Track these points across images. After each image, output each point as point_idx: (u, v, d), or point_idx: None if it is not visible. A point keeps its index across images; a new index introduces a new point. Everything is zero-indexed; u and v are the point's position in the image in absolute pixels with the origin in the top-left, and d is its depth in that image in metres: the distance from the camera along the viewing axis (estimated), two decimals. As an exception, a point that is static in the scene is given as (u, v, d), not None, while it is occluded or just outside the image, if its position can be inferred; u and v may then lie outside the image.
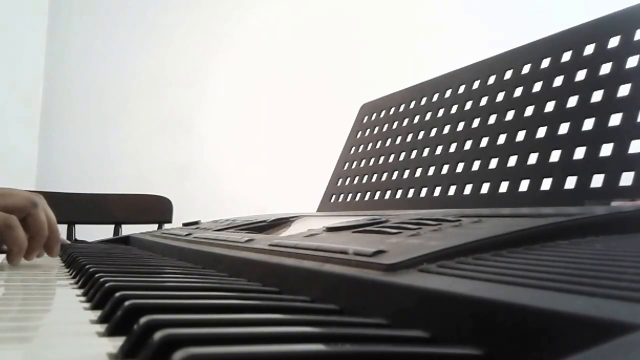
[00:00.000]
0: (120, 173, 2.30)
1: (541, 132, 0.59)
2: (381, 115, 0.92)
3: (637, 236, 0.32)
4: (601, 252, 0.28)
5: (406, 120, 0.84)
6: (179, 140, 2.41)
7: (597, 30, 0.58)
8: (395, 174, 0.81)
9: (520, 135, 0.61)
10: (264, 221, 0.71)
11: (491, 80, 0.70)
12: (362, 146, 0.94)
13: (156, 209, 1.51)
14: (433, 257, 0.29)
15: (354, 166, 0.94)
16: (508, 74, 0.67)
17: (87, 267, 0.47)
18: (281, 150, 2.44)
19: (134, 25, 2.39)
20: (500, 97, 0.67)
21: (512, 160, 0.60)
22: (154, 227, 1.43)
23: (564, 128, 0.56)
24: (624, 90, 0.52)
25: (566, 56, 0.61)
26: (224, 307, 0.29)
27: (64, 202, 1.39)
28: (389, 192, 0.80)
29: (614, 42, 0.55)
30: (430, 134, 0.77)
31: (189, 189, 2.33)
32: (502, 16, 2.51)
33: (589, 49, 0.58)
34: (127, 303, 0.27)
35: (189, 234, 0.69)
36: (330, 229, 0.45)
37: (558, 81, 0.60)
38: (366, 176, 0.88)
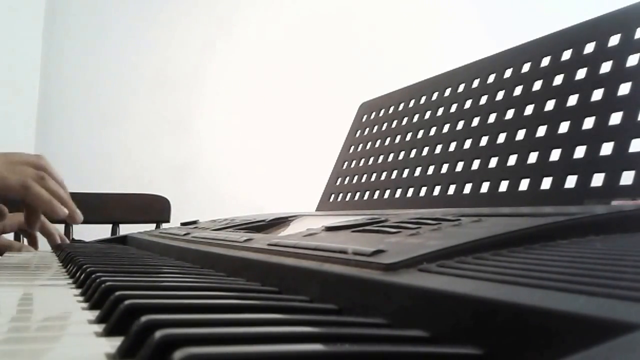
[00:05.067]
0: (117, 172, 2.30)
1: (541, 130, 0.59)
2: (380, 114, 0.92)
3: (638, 235, 0.32)
4: (601, 251, 0.28)
5: (405, 119, 0.84)
6: (177, 140, 2.41)
7: (598, 28, 0.58)
8: (395, 173, 0.81)
9: (520, 134, 0.61)
10: (263, 221, 0.71)
11: (491, 78, 0.70)
12: (361, 145, 0.94)
13: (154, 208, 1.51)
14: (433, 257, 0.29)
15: (353, 165, 0.94)
16: (508, 73, 0.67)
17: (85, 266, 0.47)
18: (280, 150, 2.44)
19: (133, 23, 2.39)
20: (500, 95, 0.67)
21: (512, 159, 0.60)
22: (152, 226, 1.43)
23: (564, 127, 0.56)
24: (624, 89, 0.52)
25: (566, 54, 0.60)
26: (222, 307, 0.29)
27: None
28: (388, 192, 0.80)
29: (614, 40, 0.55)
30: (429, 132, 0.77)
31: (187, 188, 2.33)
32: (502, 15, 2.50)
33: (589, 48, 0.58)
34: (125, 303, 0.27)
35: (187, 234, 0.69)
36: (329, 229, 0.45)
37: (558, 80, 0.60)
38: (365, 175, 0.88)
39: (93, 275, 0.40)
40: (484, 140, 0.66)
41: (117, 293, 0.30)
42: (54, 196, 0.60)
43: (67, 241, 0.65)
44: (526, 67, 0.65)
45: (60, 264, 0.65)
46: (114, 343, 0.24)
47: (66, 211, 0.60)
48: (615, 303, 0.18)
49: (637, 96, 0.51)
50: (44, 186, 0.60)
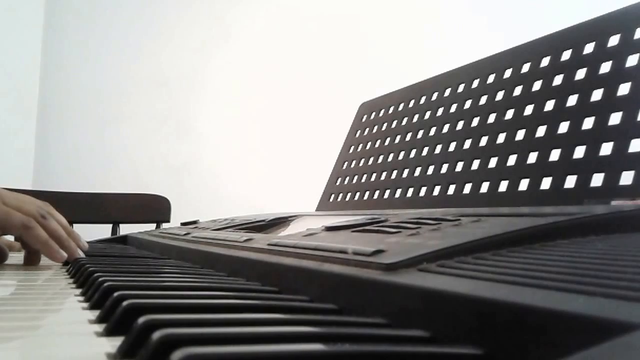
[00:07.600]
0: (118, 172, 2.30)
1: (541, 131, 0.59)
2: (380, 114, 0.92)
3: (637, 235, 0.32)
4: (601, 251, 0.28)
5: (405, 119, 0.84)
6: (177, 140, 2.41)
7: (597, 28, 0.58)
8: (395, 173, 0.81)
9: (520, 134, 0.61)
10: (263, 220, 0.71)
11: (491, 79, 0.70)
12: (361, 145, 0.94)
13: (154, 208, 1.51)
14: (432, 257, 0.29)
15: (353, 165, 0.94)
16: (507, 73, 0.67)
17: (85, 266, 0.47)
18: (280, 150, 2.44)
19: (132, 23, 2.39)
20: (499, 95, 0.67)
21: (512, 159, 0.60)
22: (152, 226, 1.43)
23: (563, 127, 0.56)
24: (623, 89, 0.52)
25: (566, 55, 0.60)
26: (222, 307, 0.29)
27: (61, 201, 1.39)
28: (388, 192, 0.80)
29: (613, 40, 0.55)
30: (429, 132, 0.77)
31: (187, 188, 2.33)
32: (501, 15, 2.50)
33: (589, 48, 0.58)
34: (125, 303, 0.27)
35: (188, 234, 0.69)
36: (329, 229, 0.45)
37: (558, 80, 0.60)
38: (365, 175, 0.88)
39: (93, 276, 0.40)
40: (484, 140, 0.66)
41: (118, 293, 0.30)
42: (53, 236, 0.61)
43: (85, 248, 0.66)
44: (526, 67, 0.65)
45: (61, 264, 0.65)
46: (114, 343, 0.24)
47: (64, 255, 0.61)
48: (615, 303, 0.18)
49: (637, 96, 0.51)
50: (44, 225, 0.61)
